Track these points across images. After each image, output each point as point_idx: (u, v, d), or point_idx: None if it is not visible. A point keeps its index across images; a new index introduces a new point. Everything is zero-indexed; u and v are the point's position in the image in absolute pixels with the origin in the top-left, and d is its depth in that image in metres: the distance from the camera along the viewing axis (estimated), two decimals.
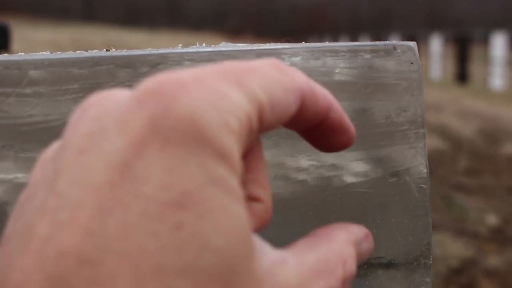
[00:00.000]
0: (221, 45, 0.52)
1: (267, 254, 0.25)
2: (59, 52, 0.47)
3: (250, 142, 0.25)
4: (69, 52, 0.46)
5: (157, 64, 0.45)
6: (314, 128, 0.30)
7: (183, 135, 0.23)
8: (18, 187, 0.44)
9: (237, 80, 0.25)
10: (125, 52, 0.45)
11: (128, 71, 0.44)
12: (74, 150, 0.23)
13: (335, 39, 18.24)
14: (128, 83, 0.44)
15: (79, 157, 0.23)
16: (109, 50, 0.47)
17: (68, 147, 0.24)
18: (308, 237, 0.29)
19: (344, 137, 0.31)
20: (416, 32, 14.89)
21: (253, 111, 0.25)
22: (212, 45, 0.52)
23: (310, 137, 0.31)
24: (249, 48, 0.46)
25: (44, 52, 0.50)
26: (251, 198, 0.27)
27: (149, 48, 0.49)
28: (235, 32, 19.55)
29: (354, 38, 17.12)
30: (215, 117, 0.23)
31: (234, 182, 0.23)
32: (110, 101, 0.25)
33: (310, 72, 0.45)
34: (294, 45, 0.47)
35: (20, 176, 0.44)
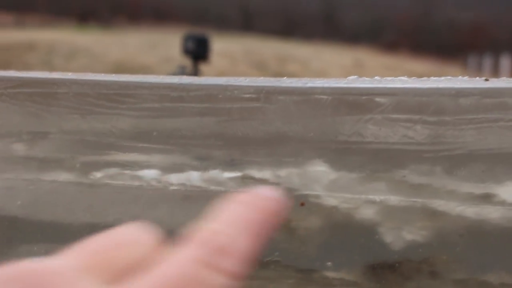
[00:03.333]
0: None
1: None
2: (424, 78, 0.48)
3: None
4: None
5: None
6: None
7: None
8: (389, 209, 0.45)
9: None
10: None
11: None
12: None
13: (496, 57, 17.51)
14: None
15: None
16: None
17: None
18: None
19: None
20: None
21: None
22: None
23: None
24: None
25: (402, 78, 0.49)
26: None
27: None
28: (391, 47, 19.34)
29: None
30: None
31: None
32: None
33: None
34: None
35: (392, 198, 0.44)
